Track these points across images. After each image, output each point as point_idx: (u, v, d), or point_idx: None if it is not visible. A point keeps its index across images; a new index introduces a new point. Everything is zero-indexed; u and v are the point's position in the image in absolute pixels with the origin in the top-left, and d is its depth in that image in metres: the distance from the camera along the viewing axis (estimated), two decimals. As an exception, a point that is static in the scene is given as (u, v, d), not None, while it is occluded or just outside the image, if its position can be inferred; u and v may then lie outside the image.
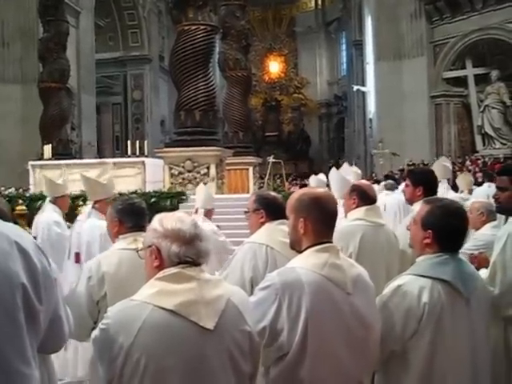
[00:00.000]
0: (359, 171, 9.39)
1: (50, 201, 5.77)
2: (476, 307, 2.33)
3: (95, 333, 1.86)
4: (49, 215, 5.66)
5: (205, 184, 7.69)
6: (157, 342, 1.75)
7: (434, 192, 3.80)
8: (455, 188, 9.75)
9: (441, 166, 8.99)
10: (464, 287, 2.30)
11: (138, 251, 2.16)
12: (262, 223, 3.17)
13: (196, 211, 6.51)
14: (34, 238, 5.47)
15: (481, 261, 3.23)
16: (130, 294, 1.89)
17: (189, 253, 1.86)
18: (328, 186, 8.55)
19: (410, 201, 3.83)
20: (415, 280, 2.31)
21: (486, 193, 8.33)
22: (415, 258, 2.52)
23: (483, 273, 2.98)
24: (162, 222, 1.93)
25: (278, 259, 2.94)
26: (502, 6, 20.77)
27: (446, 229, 2.35)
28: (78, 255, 5.12)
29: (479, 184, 12.09)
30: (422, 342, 2.25)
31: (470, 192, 9.10)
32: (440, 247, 2.36)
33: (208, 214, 6.46)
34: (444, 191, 8.19)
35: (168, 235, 1.88)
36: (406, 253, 3.50)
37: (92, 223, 4.93)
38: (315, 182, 9.11)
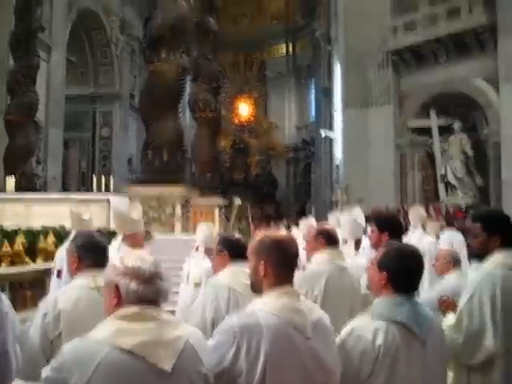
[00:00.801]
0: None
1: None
2: (432, 349, 2.35)
3: (47, 371, 1.79)
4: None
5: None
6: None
7: (399, 237, 3.86)
8: None
9: (416, 213, 9.23)
10: (419, 329, 2.31)
11: (98, 289, 2.12)
12: (226, 264, 3.18)
13: (197, 248, 6.56)
14: None
15: (449, 305, 3.28)
16: (87, 333, 1.84)
17: (147, 291, 1.84)
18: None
19: (376, 246, 3.87)
20: (370, 322, 2.33)
21: (450, 239, 8.51)
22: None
23: (450, 318, 3.03)
24: (122, 259, 1.91)
25: (240, 301, 2.95)
26: (464, 60, 21.57)
27: (399, 270, 2.39)
28: None
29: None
30: (377, 384, 2.25)
31: (438, 237, 9.30)
32: (395, 289, 2.40)
33: (208, 251, 6.40)
34: (420, 236, 8.37)
35: (127, 273, 1.86)
36: (369, 296, 3.53)
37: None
38: (305, 226, 9.15)
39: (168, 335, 1.82)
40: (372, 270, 2.51)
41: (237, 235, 3.45)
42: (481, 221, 3.14)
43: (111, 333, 1.77)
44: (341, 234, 6.09)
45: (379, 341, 2.26)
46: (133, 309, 1.82)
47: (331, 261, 3.65)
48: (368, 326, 2.31)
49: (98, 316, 1.97)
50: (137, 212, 5.14)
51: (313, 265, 3.71)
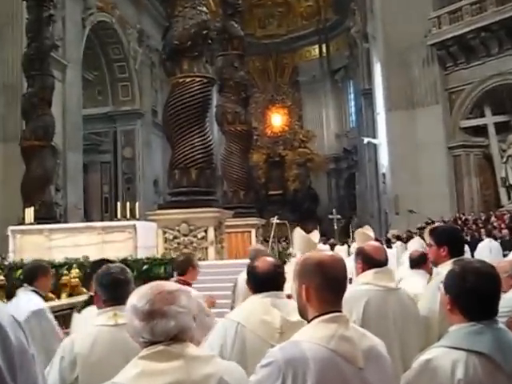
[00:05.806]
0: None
1: None
2: None
3: None
4: None
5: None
6: None
7: (461, 251, 3.79)
8: None
9: None
10: (505, 360, 2.18)
11: (120, 327, 2.16)
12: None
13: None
14: None
15: None
16: (106, 375, 1.86)
17: (144, 331, 1.85)
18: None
19: (435, 262, 3.82)
20: (447, 353, 2.21)
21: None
22: (444, 326, 2.46)
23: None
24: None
25: (247, 338, 2.96)
26: (519, 49, 21.33)
27: (462, 292, 2.27)
28: None
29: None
30: (456, 425, 2.15)
31: None
32: (465, 314, 2.27)
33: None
34: None
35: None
36: (430, 319, 3.48)
37: None
38: (415, 245, 8.91)
39: (196, 373, 1.81)
40: (442, 293, 2.42)
41: (263, 261, 3.27)
42: None
43: (136, 375, 1.77)
44: None
45: (459, 375, 2.14)
46: (158, 347, 1.83)
47: (374, 282, 3.60)
48: (444, 358, 2.19)
49: (119, 357, 2.00)
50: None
51: (353, 287, 3.66)
